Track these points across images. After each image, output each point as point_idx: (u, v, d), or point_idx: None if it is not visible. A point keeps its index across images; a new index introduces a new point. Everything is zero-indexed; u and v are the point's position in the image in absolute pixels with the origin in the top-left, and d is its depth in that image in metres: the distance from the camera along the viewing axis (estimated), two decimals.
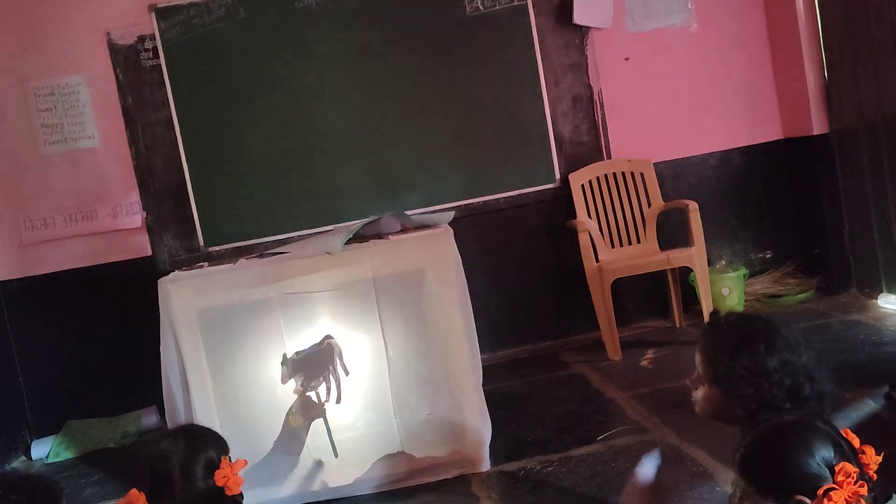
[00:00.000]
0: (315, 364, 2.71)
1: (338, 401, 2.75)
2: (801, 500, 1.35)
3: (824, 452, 1.39)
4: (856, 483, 1.35)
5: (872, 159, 3.86)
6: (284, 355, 2.72)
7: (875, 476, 1.43)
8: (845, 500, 1.33)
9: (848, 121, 4.00)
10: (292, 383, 2.71)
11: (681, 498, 2.35)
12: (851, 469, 1.36)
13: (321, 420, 2.75)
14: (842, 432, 1.47)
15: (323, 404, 2.74)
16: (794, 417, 1.50)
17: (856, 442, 1.46)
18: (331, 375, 2.72)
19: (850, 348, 3.39)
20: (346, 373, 2.75)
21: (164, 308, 2.71)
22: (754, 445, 1.46)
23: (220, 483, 1.71)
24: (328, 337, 2.75)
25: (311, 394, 2.73)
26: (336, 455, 2.76)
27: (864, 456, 1.44)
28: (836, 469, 1.36)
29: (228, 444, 1.94)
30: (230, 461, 1.77)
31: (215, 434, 1.91)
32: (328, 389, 2.73)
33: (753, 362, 1.69)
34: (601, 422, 3.06)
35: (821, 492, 1.34)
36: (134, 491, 1.72)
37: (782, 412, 1.64)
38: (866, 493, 1.36)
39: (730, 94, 4.36)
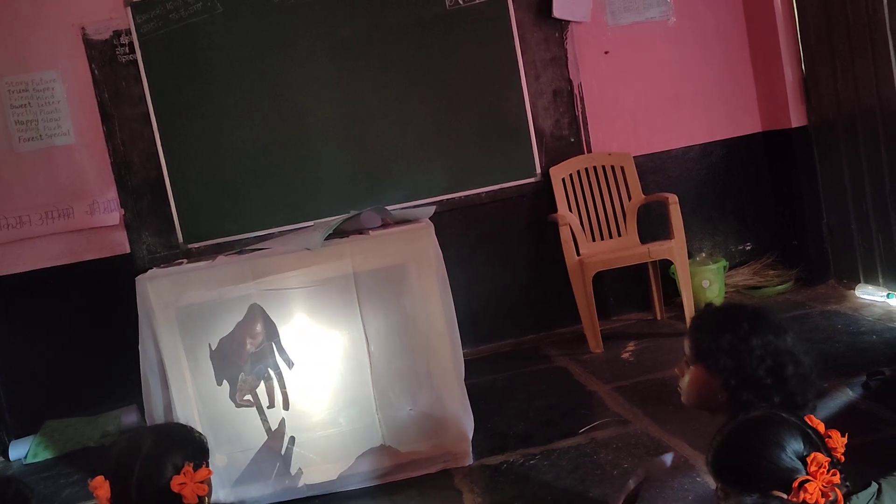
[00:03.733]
0: (241, 357, 2.60)
1: (285, 406, 2.66)
2: (777, 496, 1.36)
3: (795, 445, 1.41)
4: (828, 471, 1.36)
5: (850, 152, 3.90)
6: (209, 345, 2.59)
7: (843, 458, 1.45)
8: (820, 489, 1.34)
9: (826, 113, 4.04)
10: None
11: (662, 489, 2.36)
12: (823, 458, 1.37)
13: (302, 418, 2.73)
14: (806, 419, 1.48)
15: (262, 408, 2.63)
16: (760, 414, 1.52)
17: (821, 428, 1.48)
18: (270, 371, 2.59)
19: (829, 338, 3.42)
20: (290, 365, 2.65)
21: (142, 306, 2.68)
22: (725, 445, 1.48)
23: (175, 489, 1.70)
24: (255, 308, 2.58)
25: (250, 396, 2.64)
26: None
27: (830, 440, 1.46)
28: (809, 460, 1.38)
29: (209, 441, 1.92)
30: (196, 468, 1.74)
31: (194, 439, 1.87)
32: (270, 392, 2.61)
33: (736, 338, 1.73)
34: (583, 414, 3.08)
35: (796, 484, 1.36)
36: (100, 478, 1.73)
37: (761, 398, 1.66)
38: (839, 481, 1.38)
39: (709, 87, 4.38)
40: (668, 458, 2.17)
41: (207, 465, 1.80)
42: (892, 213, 3.66)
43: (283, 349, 2.67)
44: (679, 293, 3.88)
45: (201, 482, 1.73)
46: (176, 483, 1.70)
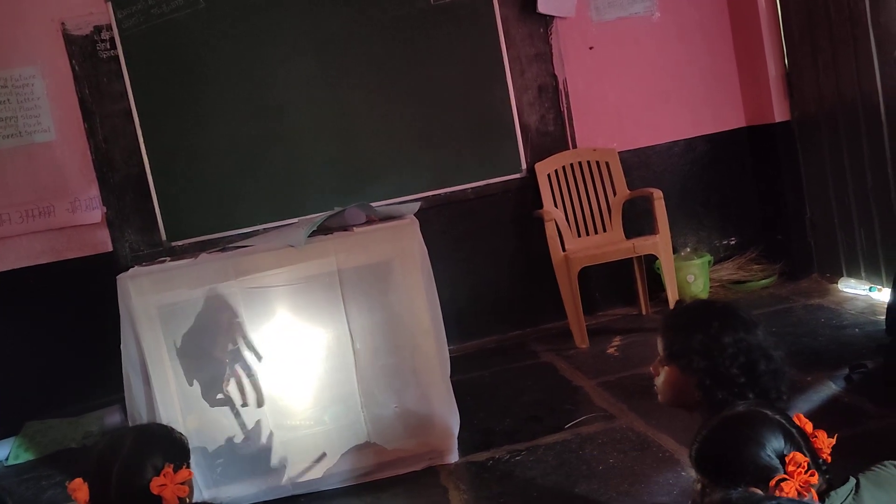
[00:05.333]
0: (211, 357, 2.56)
1: (259, 403, 2.61)
2: (753, 492, 1.36)
3: (775, 443, 1.41)
4: (807, 472, 1.37)
5: (832, 146, 3.92)
6: (174, 343, 2.54)
7: (829, 458, 1.46)
8: (796, 489, 1.35)
9: (808, 108, 4.06)
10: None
11: (647, 484, 2.36)
12: (801, 459, 1.38)
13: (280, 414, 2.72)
14: (794, 418, 1.49)
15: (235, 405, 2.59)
16: (744, 409, 1.52)
17: (808, 427, 1.48)
18: (238, 368, 2.55)
19: (812, 332, 3.44)
20: (259, 357, 2.61)
21: (124, 304, 2.65)
22: (708, 439, 1.49)
23: (154, 491, 1.68)
24: (214, 300, 2.50)
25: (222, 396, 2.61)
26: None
27: (816, 440, 1.46)
28: (787, 459, 1.38)
29: (192, 440, 1.90)
30: (177, 469, 1.72)
31: (175, 440, 1.85)
32: (241, 389, 2.57)
33: (708, 336, 1.74)
34: (569, 410, 3.08)
35: (773, 483, 1.36)
36: (79, 480, 1.72)
37: (736, 396, 1.66)
38: (817, 482, 1.39)
39: (693, 82, 4.39)
40: None
41: (188, 466, 1.78)
42: (873, 208, 3.69)
43: (250, 344, 2.62)
44: (664, 288, 3.90)
45: (182, 483, 1.71)
46: (156, 484, 1.68)
